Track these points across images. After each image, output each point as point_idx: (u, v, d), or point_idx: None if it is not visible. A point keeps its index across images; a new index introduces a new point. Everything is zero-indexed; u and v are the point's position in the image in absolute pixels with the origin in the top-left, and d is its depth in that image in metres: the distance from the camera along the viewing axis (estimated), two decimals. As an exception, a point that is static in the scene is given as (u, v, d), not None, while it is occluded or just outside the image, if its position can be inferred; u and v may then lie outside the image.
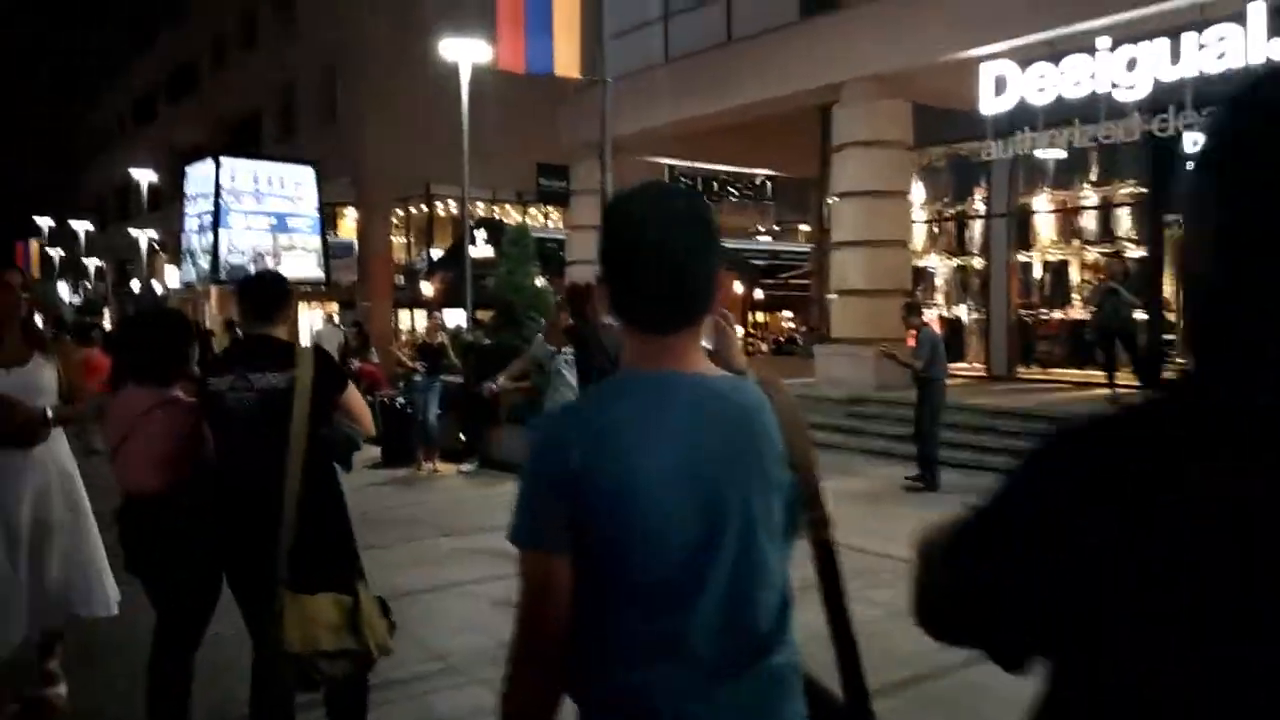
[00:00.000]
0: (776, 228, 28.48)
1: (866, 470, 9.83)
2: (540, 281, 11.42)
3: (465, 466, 10.69)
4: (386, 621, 3.23)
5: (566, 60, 8.97)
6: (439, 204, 27.84)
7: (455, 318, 17.04)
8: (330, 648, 3.04)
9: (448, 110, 22.72)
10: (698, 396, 1.42)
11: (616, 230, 1.46)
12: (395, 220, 27.51)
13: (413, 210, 28.43)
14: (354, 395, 3.30)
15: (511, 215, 26.79)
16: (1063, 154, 12.50)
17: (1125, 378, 11.09)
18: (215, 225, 18.82)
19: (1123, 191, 13.57)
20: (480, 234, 20.75)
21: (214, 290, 26.34)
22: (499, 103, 16.15)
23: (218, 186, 18.80)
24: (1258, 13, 9.17)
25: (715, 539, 1.37)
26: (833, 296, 17.29)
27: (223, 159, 19.37)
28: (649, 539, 1.35)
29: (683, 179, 18.60)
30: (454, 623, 5.15)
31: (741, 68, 14.12)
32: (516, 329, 10.98)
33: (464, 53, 14.50)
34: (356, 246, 24.65)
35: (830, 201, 17.00)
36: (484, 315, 16.17)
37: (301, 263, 18.93)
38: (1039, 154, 12.23)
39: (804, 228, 32.09)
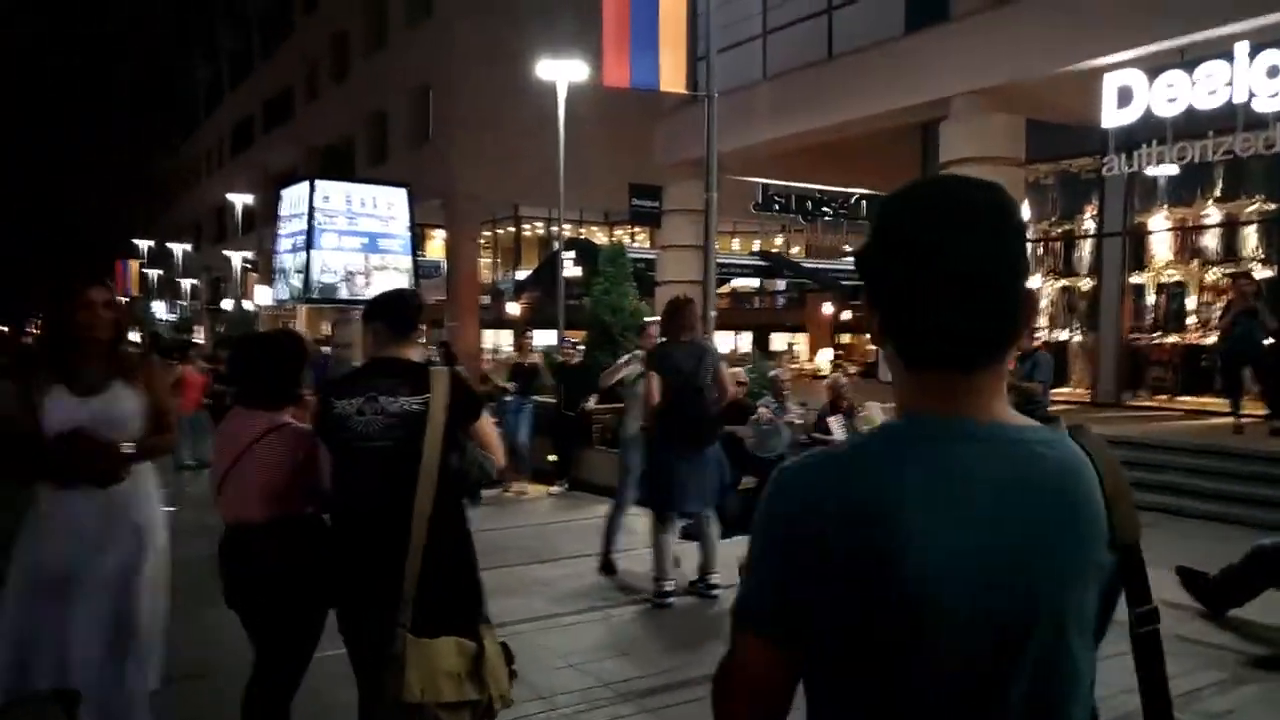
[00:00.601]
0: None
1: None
2: (637, 301, 11.16)
3: (555, 488, 10.47)
4: (509, 670, 2.95)
5: (672, 76, 8.73)
6: (526, 225, 28.00)
7: (542, 338, 16.94)
8: (452, 698, 2.77)
9: (537, 133, 22.94)
10: (1003, 455, 1.09)
11: (897, 234, 1.13)
12: (482, 241, 27.76)
13: (499, 231, 28.65)
14: (487, 423, 3.05)
15: (598, 236, 26.78)
16: (1181, 170, 11.79)
17: (1251, 405, 10.30)
18: (308, 245, 19.05)
19: (1249, 209, 12.73)
20: (569, 255, 20.70)
21: (302, 309, 26.89)
22: (587, 125, 16.06)
23: (311, 207, 19.06)
24: None
25: (1018, 644, 1.06)
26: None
27: (317, 181, 19.68)
28: (932, 644, 1.04)
29: (775, 197, 18.22)
30: (553, 659, 4.84)
31: (843, 84, 13.74)
32: (613, 349, 10.74)
33: (561, 73, 14.43)
34: (445, 267, 24.88)
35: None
36: (573, 335, 16.04)
37: (393, 282, 18.89)
38: (1158, 170, 11.53)
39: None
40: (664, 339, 5.82)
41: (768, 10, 15.58)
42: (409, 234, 19.47)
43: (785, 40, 15.35)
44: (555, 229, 28.79)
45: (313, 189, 19.39)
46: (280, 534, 3.09)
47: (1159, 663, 1.20)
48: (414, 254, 19.65)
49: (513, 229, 28.54)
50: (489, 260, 28.68)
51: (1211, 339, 12.86)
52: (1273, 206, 12.34)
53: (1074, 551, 1.10)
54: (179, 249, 49.84)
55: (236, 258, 38.05)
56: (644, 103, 20.52)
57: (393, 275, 19.30)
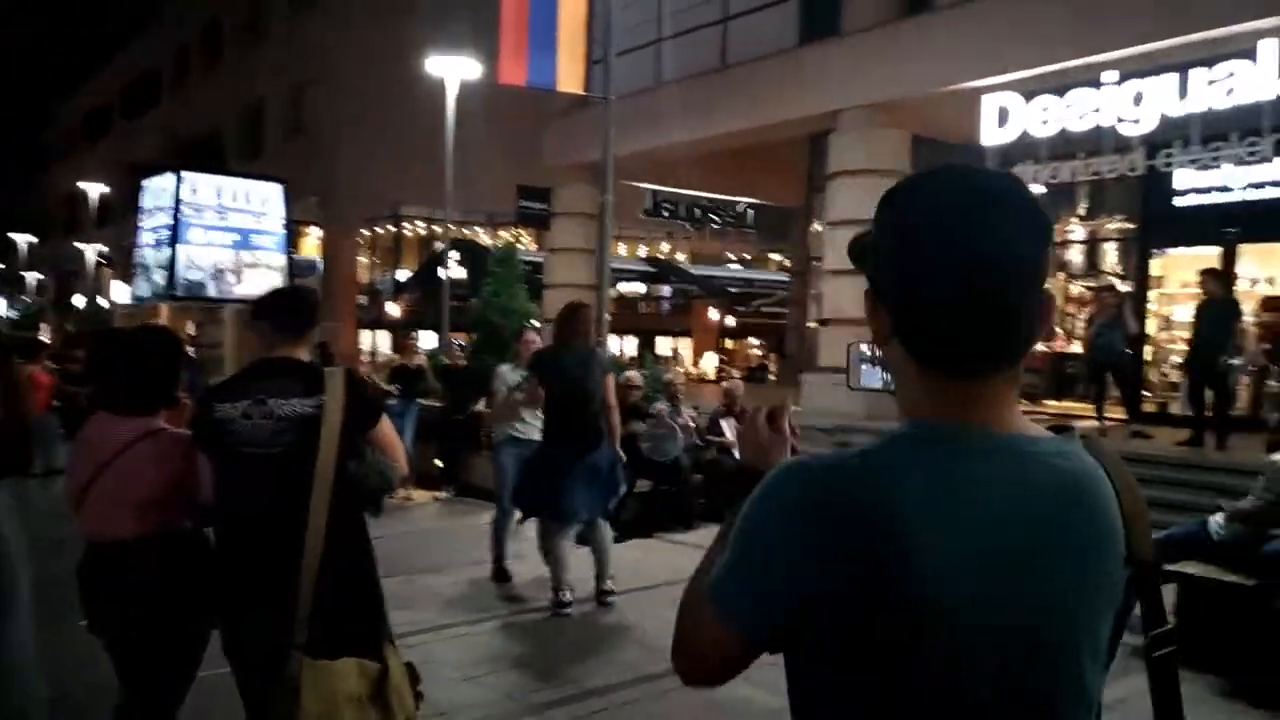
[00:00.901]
0: (771, 255, 28.35)
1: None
2: (528, 303, 10.94)
3: (442, 494, 10.13)
4: (415, 692, 2.74)
5: (569, 76, 8.58)
6: (407, 225, 27.27)
7: (424, 340, 16.47)
8: (353, 724, 2.53)
9: (421, 132, 22.40)
10: (1015, 463, 1.03)
11: (911, 225, 1.03)
12: (361, 240, 26.88)
13: (379, 230, 27.81)
14: (388, 427, 2.82)
15: (482, 238, 26.32)
16: (1049, 189, 12.36)
17: (1112, 409, 10.89)
18: (173, 240, 18.02)
19: (1109, 226, 13.49)
20: (453, 255, 20.23)
21: (165, 307, 25.44)
22: (473, 126, 15.71)
23: (178, 200, 18.03)
24: (1269, 49, 9.05)
25: (1024, 653, 1.01)
26: (812, 324, 17.11)
27: (184, 173, 18.63)
28: (932, 645, 0.98)
29: (665, 204, 18.28)
30: (450, 672, 4.60)
31: (736, 94, 13.87)
32: (501, 353, 10.45)
33: (450, 70, 14.06)
34: (321, 265, 23.96)
35: (815, 229, 16.83)
36: (458, 337, 15.65)
37: (265, 280, 18.09)
38: (1036, 188, 12.04)
39: (775, 256, 32.20)
40: (554, 342, 5.67)
41: (663, 17, 15.61)
42: (284, 231, 18.68)
43: (681, 48, 15.42)
44: (437, 229, 28.24)
45: (179, 181, 18.38)
46: (156, 550, 2.78)
47: (1174, 687, 1.19)
48: (289, 251, 18.85)
49: (393, 228, 27.73)
50: (367, 260, 27.78)
51: (1076, 347, 13.58)
52: (1130, 226, 13.09)
53: (1087, 562, 1.06)
54: (23, 240, 46.33)
55: (90, 251, 35.66)
56: (532, 105, 20.29)
57: (265, 273, 18.46)
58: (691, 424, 8.52)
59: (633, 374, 8.14)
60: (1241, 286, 11.56)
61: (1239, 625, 4.35)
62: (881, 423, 11.80)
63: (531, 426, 6.10)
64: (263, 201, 18.21)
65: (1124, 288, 13.18)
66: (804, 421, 11.70)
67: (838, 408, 12.16)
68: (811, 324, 17.03)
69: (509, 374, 6.45)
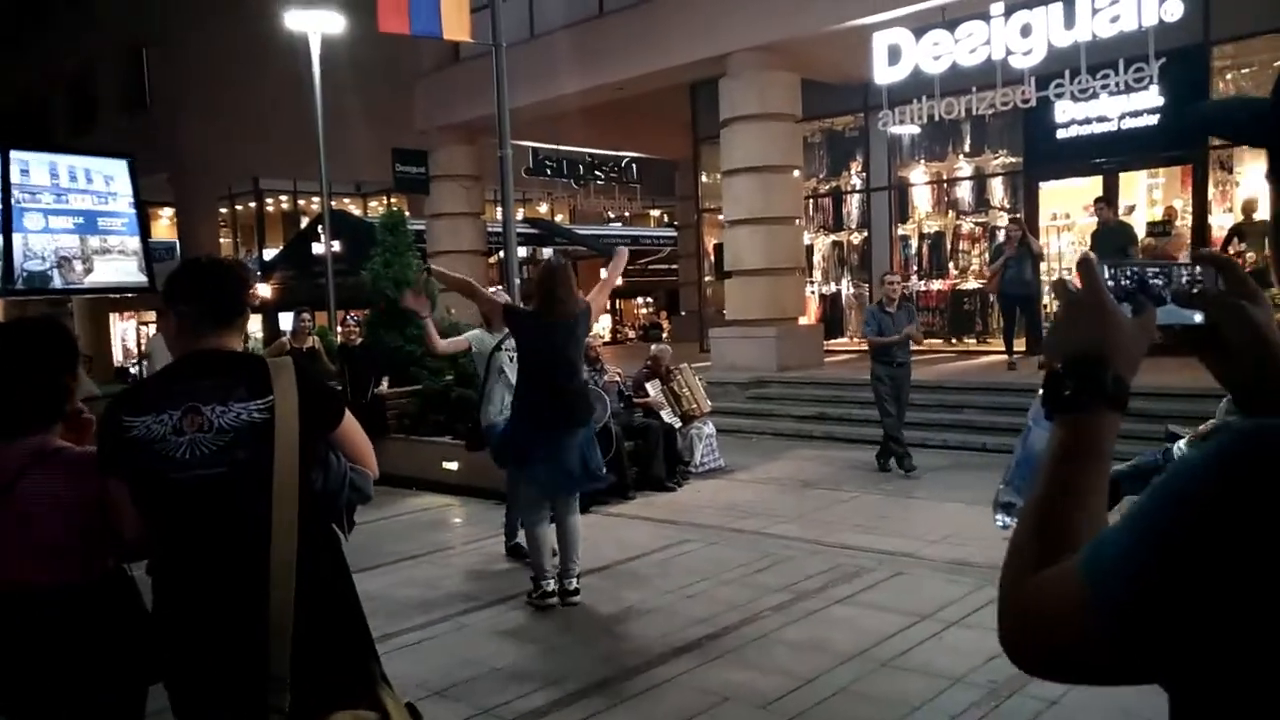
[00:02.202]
0: (651, 211, 27.88)
1: (787, 453, 9.31)
2: (423, 273, 10.23)
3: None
4: (420, 735, 2.29)
5: (455, 24, 7.93)
6: (269, 200, 25.65)
7: (288, 321, 15.48)
8: (355, 790, 2.09)
9: (274, 95, 20.95)
10: None
11: None
12: (219, 219, 25.15)
13: (239, 207, 26.08)
14: (354, 425, 2.28)
15: (351, 208, 25.03)
16: (933, 127, 12.45)
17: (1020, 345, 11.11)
18: (6, 227, 16.27)
19: (994, 162, 13.72)
20: (320, 229, 19.06)
21: (0, 303, 23.23)
22: (334, 91, 14.63)
23: (6, 182, 16.25)
24: (1149, -26, 9.20)
25: None
26: (709, 278, 16.93)
27: (12, 152, 16.80)
28: None
29: (547, 162, 17.65)
30: (413, 690, 4.10)
31: (615, 41, 13.36)
32: (400, 329, 9.79)
33: (313, 24, 12.98)
34: (179, 248, 22.26)
35: (704, 180, 16.57)
36: (317, 314, 14.74)
37: (120, 266, 16.65)
38: (908, 128, 12.08)
39: (654, 212, 31.86)
40: (539, 309, 5.08)
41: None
42: (135, 211, 17.13)
43: (552, -4, 14.77)
44: (302, 202, 26.67)
45: (6, 161, 16.57)
46: (66, 604, 2.22)
47: None
48: (144, 233, 17.34)
49: (254, 204, 26.04)
50: (228, 239, 26.02)
51: (972, 284, 13.84)
52: (1014, 160, 13.34)
53: None
54: None
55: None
56: (394, 66, 19.20)
57: (118, 259, 16.96)
58: (620, 387, 8.13)
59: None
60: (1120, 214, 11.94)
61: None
62: (796, 373, 11.74)
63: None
64: (107, 180, 16.61)
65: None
66: (716, 377, 11.56)
67: (748, 361, 12.01)
68: (709, 278, 16.86)
69: (484, 341, 5.89)
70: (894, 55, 10.85)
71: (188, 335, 2.19)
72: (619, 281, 5.09)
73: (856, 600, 4.81)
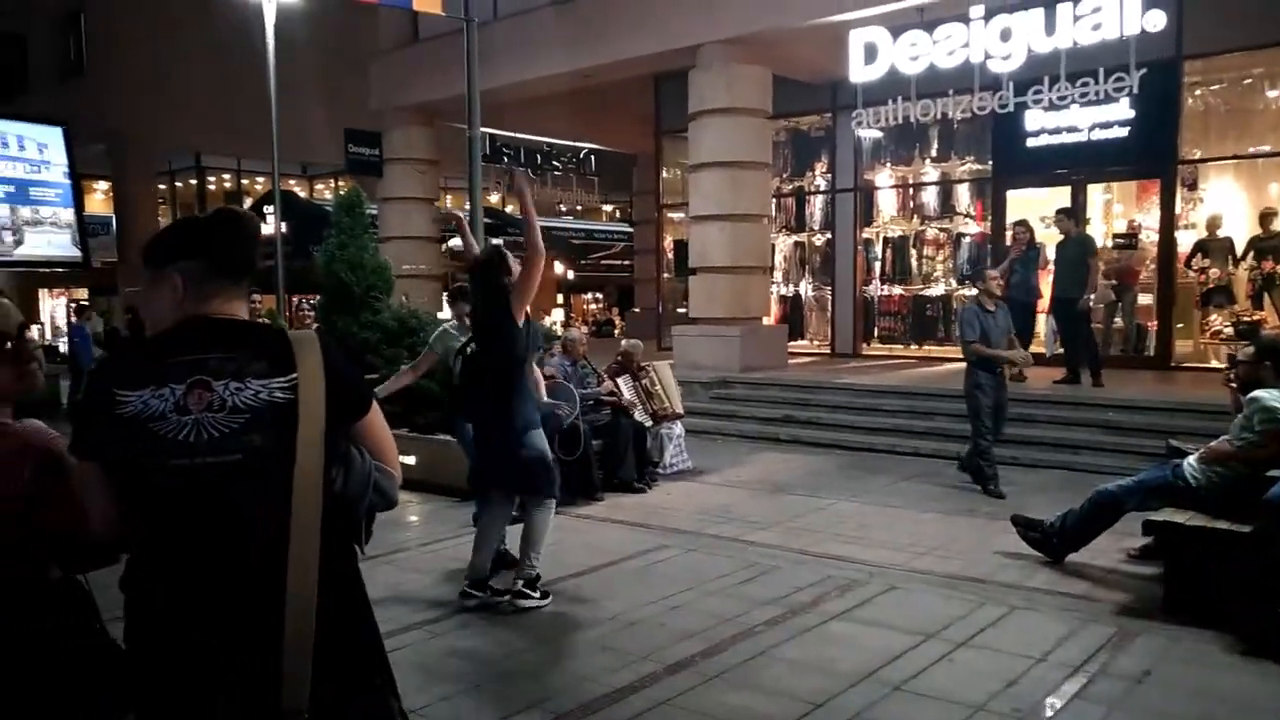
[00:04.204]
0: (604, 206, 27.49)
1: (754, 456, 9.05)
2: (379, 257, 9.74)
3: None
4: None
5: (425, -5, 7.49)
6: (210, 177, 24.71)
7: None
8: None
9: (220, 70, 20.10)
10: None
11: None
12: (158, 195, 24.13)
13: (179, 184, 25.08)
14: (381, 419, 1.90)
15: (297, 190, 24.24)
16: (899, 131, 12.31)
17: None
18: (-71, 195, 15.31)
19: (961, 168, 13.65)
20: (267, 210, 18.34)
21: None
22: (284, 68, 14.00)
23: (-70, 148, 15.29)
24: (1133, -17, 9.13)
25: None
26: (668, 275, 16.64)
27: (-64, 116, 15.82)
28: None
29: (504, 149, 17.18)
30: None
31: (584, 27, 12.97)
32: (354, 315, 9.30)
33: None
34: (115, 223, 21.27)
35: (666, 175, 16.28)
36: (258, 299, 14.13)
37: (53, 239, 15.78)
38: (879, 130, 11.95)
39: (607, 207, 31.51)
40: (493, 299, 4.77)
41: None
42: (69, 182, 16.26)
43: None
44: (245, 182, 25.75)
45: (-70, 125, 15.57)
46: (29, 615, 1.83)
47: None
48: (79, 206, 16.46)
49: (195, 181, 25.06)
50: (167, 217, 25.00)
51: (935, 290, 13.76)
52: (980, 166, 13.28)
53: None
54: None
55: None
56: (345, 46, 18.55)
57: (51, 232, 16.07)
58: (607, 385, 7.78)
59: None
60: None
61: (1235, 575, 4.13)
62: (761, 374, 11.50)
63: None
64: (40, 149, 15.74)
65: (978, 228, 13.46)
66: (679, 375, 11.26)
67: (711, 361, 11.75)
68: (668, 275, 16.57)
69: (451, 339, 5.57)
70: (870, 54, 10.66)
71: (192, 298, 1.79)
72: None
73: (854, 616, 4.53)
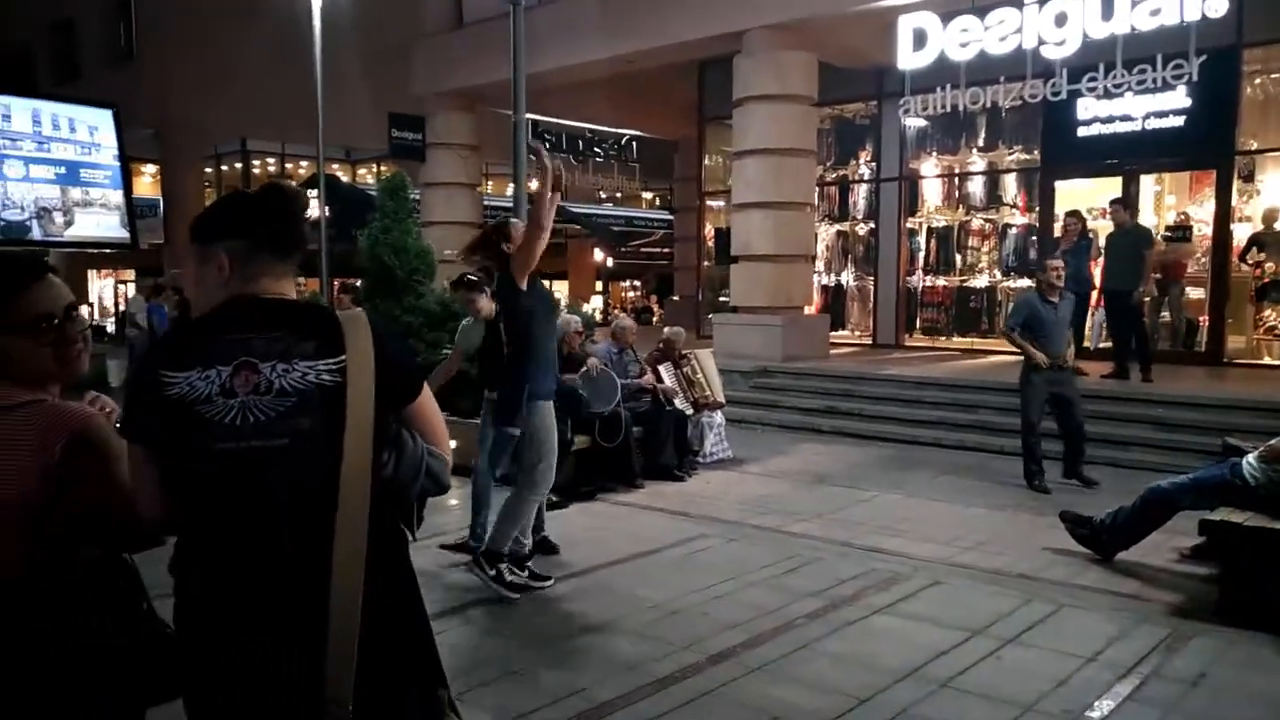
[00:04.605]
0: (643, 193, 27.37)
1: (795, 447, 8.98)
2: (422, 240, 9.78)
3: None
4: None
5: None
6: (255, 161, 24.99)
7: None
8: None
9: (266, 56, 20.27)
10: None
11: None
12: (204, 179, 24.48)
13: (224, 168, 25.40)
14: (431, 402, 1.87)
15: (341, 175, 24.43)
16: (946, 119, 12.12)
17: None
18: (-17, 175, 15.65)
19: (1009, 158, 13.40)
20: (311, 193, 18.52)
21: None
22: (326, 53, 14.09)
23: (-13, 128, 15.62)
24: (1194, -32, 8.87)
25: None
26: (708, 263, 16.54)
27: (-8, 96, 16.14)
28: None
29: (546, 135, 17.15)
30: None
31: (629, 12, 12.89)
32: (397, 299, 9.35)
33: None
34: (162, 206, 21.62)
35: (708, 163, 16.17)
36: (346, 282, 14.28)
37: (102, 221, 16.07)
38: (916, 119, 11.77)
39: (646, 195, 31.38)
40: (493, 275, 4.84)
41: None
42: (119, 164, 16.54)
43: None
44: (289, 166, 25.99)
45: (-13, 106, 15.90)
46: (47, 598, 1.80)
47: None
48: (127, 188, 16.74)
49: (240, 165, 25.34)
50: (213, 201, 25.40)
51: (980, 281, 13.55)
52: (1028, 156, 13.03)
53: None
54: None
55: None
56: (388, 31, 18.61)
57: (100, 213, 16.37)
58: (648, 373, 7.75)
59: (573, 318, 7.25)
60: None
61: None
62: (803, 363, 11.40)
63: None
64: (91, 131, 16.01)
65: (1024, 219, 13.22)
66: (720, 364, 11.21)
67: (752, 350, 11.67)
68: (706, 263, 16.48)
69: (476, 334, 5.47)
70: (919, 40, 10.47)
71: (239, 276, 1.77)
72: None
73: (897, 610, 4.48)
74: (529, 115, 17.13)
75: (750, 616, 4.38)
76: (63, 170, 15.66)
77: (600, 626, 4.33)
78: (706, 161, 16.18)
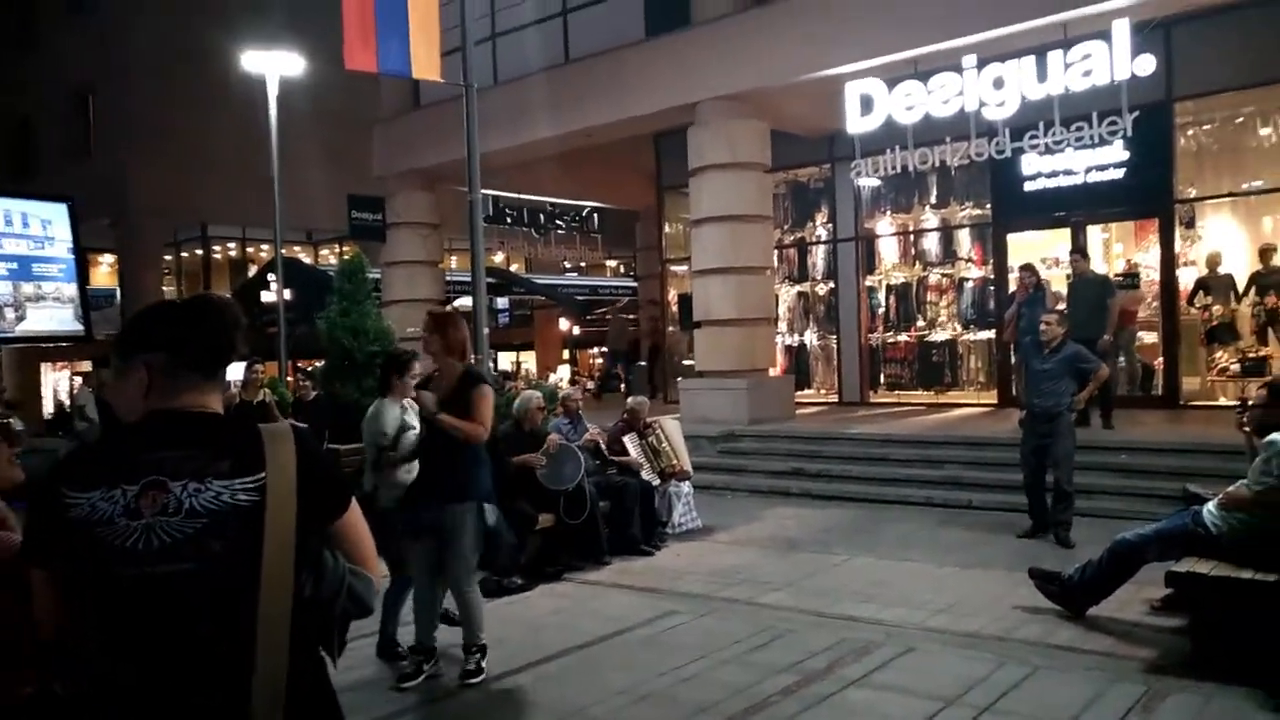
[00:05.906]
0: (607, 262, 27.59)
1: (765, 512, 8.91)
2: (381, 322, 9.76)
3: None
4: None
5: (425, 63, 7.59)
6: (216, 247, 24.96)
7: (236, 372, 14.81)
8: None
9: (225, 142, 20.40)
10: None
11: None
12: (163, 266, 24.35)
13: (184, 255, 25.32)
14: (359, 519, 1.80)
15: (302, 256, 24.44)
16: (898, 179, 12.34)
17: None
18: (-65, 273, 15.46)
19: (962, 213, 13.67)
20: (271, 277, 18.46)
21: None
22: (286, 136, 14.20)
23: (-63, 227, 15.48)
24: (1122, 30, 9.21)
25: None
26: (672, 328, 16.60)
27: (-57, 194, 16.04)
28: None
29: (508, 210, 17.31)
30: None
31: (583, 89, 13.14)
32: (357, 380, 9.28)
33: (271, 66, 12.56)
34: (119, 295, 21.43)
35: (668, 230, 16.35)
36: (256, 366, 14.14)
37: (55, 314, 15.88)
38: (877, 180, 12.01)
39: (610, 263, 31.65)
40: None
41: (496, 12, 14.70)
42: (73, 257, 16.42)
43: (516, 44, 14.56)
44: (249, 250, 25.97)
45: (-63, 204, 15.78)
46: None
47: None
48: (82, 280, 16.59)
49: (200, 251, 25.29)
50: (172, 288, 25.18)
51: (941, 335, 13.70)
52: (980, 211, 13.31)
53: None
54: None
55: None
56: (347, 114, 18.85)
57: (53, 307, 16.18)
58: (599, 442, 7.69)
59: (534, 393, 7.20)
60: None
61: (1262, 627, 3.99)
62: (769, 425, 11.39)
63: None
64: (44, 225, 15.91)
65: (980, 272, 13.44)
66: (686, 430, 11.18)
67: (719, 413, 11.66)
68: (672, 328, 16.55)
69: (392, 413, 5.10)
70: (866, 105, 10.74)
71: (159, 391, 1.71)
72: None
73: (871, 681, 4.39)
74: (490, 191, 17.39)
75: (721, 697, 4.27)
76: (15, 266, 15.52)
77: (565, 717, 4.21)
78: (667, 229, 16.36)
